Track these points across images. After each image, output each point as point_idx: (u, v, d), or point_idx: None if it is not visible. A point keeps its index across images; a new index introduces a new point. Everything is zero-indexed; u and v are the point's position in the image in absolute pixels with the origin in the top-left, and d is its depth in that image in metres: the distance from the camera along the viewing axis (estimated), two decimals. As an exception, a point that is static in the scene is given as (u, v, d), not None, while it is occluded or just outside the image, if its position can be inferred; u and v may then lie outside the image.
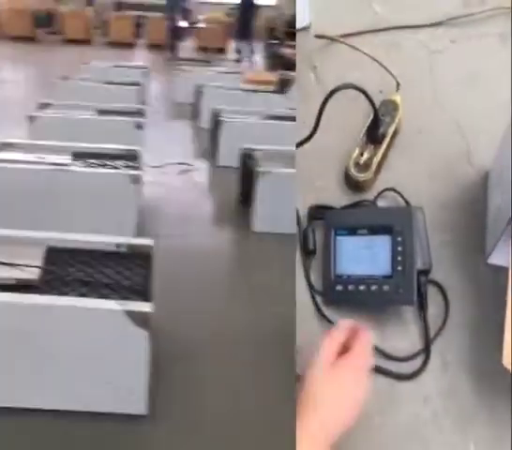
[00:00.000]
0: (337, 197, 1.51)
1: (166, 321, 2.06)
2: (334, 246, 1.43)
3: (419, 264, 1.33)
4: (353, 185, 1.52)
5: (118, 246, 2.02)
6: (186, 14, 11.21)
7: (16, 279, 1.79)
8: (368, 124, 1.51)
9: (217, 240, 3.30)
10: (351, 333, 1.13)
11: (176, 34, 11.09)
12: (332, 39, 1.68)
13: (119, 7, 14.26)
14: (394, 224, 1.35)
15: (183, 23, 11.18)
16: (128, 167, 3.10)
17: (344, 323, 1.16)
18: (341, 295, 1.39)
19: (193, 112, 5.99)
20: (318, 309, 1.42)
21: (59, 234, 2.07)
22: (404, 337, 1.34)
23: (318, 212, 1.49)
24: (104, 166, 3.09)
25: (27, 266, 1.85)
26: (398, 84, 1.57)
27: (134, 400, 1.74)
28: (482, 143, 1.51)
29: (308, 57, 1.72)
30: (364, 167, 1.49)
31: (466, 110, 1.55)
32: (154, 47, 11.84)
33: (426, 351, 1.32)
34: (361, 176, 1.49)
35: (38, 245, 2.00)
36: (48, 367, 1.71)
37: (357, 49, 1.58)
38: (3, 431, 1.68)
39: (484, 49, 1.65)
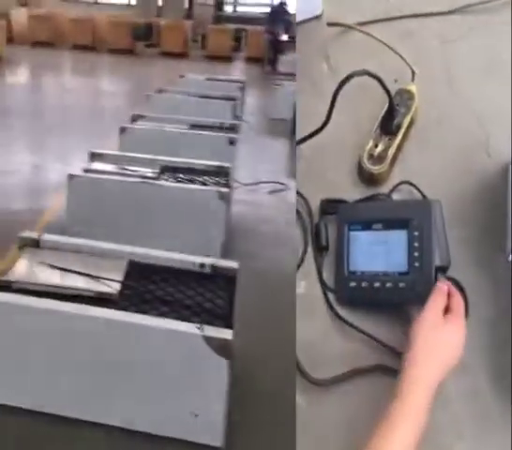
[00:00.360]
0: (350, 191, 1.51)
1: (245, 348, 2.04)
2: (347, 241, 1.43)
3: (437, 261, 1.30)
4: (366, 178, 1.51)
5: (202, 266, 2.03)
6: (287, 27, 11.41)
7: (95, 292, 1.84)
8: (382, 114, 1.51)
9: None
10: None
11: (277, 47, 11.30)
12: (348, 27, 1.69)
13: (218, 19, 14.78)
14: (411, 218, 1.34)
15: (284, 37, 11.37)
16: (217, 184, 3.14)
17: (444, 287, 1.24)
18: (355, 293, 1.39)
19: (291, 130, 6.03)
20: (330, 307, 1.41)
21: (143, 250, 2.11)
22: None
23: (330, 206, 1.49)
24: (193, 181, 3.15)
25: (107, 279, 1.90)
26: (413, 73, 1.56)
27: (210, 430, 1.72)
28: (501, 134, 1.47)
29: (320, 47, 1.73)
30: (378, 159, 1.49)
31: (484, 99, 1.54)
32: (252, 60, 12.12)
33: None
34: (375, 169, 1.49)
35: (121, 258, 2.06)
36: (120, 383, 1.73)
37: (372, 35, 1.58)
38: (72, 441, 1.75)
39: (501, 37, 1.61)
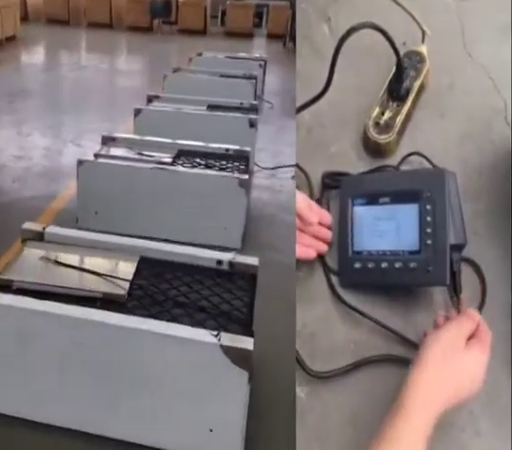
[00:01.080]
0: (354, 163, 1.42)
1: (264, 355, 1.88)
2: (351, 217, 1.33)
3: (452, 238, 1.18)
4: (372, 148, 1.40)
5: (219, 262, 1.88)
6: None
7: (103, 293, 1.71)
8: (390, 78, 1.40)
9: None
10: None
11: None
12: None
13: (239, -5, 14.47)
14: (422, 190, 1.22)
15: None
16: (236, 169, 2.99)
17: (475, 315, 1.13)
18: (360, 275, 1.28)
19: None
20: (333, 291, 1.31)
21: (155, 244, 1.98)
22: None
23: (333, 179, 1.38)
24: (210, 167, 3.00)
25: (116, 278, 1.77)
26: (424, 34, 1.43)
27: (227, 447, 1.59)
28: None
29: (321, 8, 1.61)
30: (385, 128, 1.38)
31: (501, 62, 1.42)
32: (274, 37, 11.84)
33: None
34: (382, 138, 1.37)
35: (131, 254, 1.92)
36: (127, 395, 1.61)
37: None
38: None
39: None
